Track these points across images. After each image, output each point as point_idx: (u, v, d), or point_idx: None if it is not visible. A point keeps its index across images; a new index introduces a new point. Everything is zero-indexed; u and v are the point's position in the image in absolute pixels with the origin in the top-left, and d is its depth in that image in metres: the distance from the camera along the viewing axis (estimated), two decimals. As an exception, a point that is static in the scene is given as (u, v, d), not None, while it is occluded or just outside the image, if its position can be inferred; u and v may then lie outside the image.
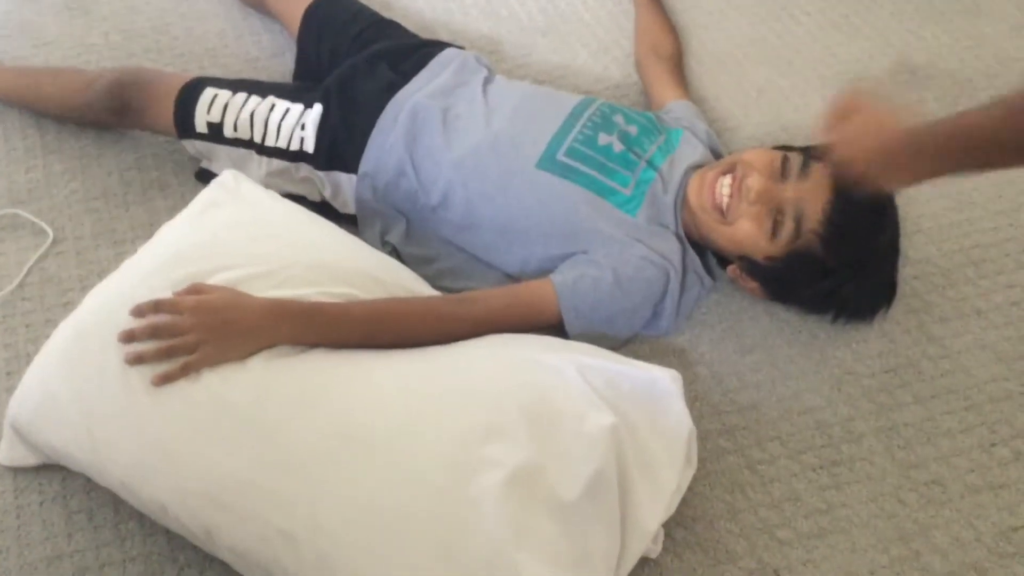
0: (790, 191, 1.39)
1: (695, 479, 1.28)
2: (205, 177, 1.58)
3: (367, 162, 1.51)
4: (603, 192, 1.44)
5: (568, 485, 1.11)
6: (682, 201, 1.48)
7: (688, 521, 1.27)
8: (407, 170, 1.49)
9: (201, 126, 1.55)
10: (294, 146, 1.53)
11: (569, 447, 1.14)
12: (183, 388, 1.14)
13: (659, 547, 1.23)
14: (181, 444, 1.12)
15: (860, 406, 1.41)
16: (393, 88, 1.55)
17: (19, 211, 1.58)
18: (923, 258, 1.62)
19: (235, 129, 1.54)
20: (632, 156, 1.48)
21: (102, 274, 1.36)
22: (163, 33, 1.94)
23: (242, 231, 1.34)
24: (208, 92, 1.56)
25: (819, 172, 1.39)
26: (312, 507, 1.08)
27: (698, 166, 1.52)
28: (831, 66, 1.97)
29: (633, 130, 1.51)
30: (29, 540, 1.21)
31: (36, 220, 1.57)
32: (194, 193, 1.48)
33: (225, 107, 1.54)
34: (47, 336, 1.39)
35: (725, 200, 1.42)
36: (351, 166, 1.52)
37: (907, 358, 1.47)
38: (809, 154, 1.43)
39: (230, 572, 1.16)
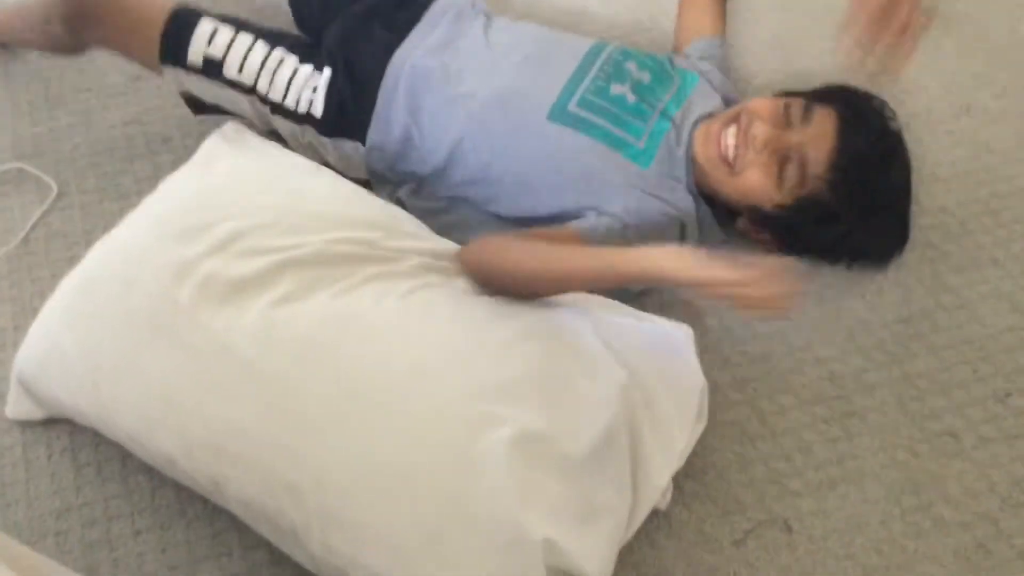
0: (795, 136, 1.37)
1: (705, 430, 1.27)
2: (195, 104, 1.53)
3: (375, 134, 1.47)
4: (616, 144, 1.41)
5: (577, 442, 1.11)
6: (688, 157, 1.45)
7: (698, 472, 1.26)
8: (412, 135, 1.46)
9: (195, 58, 1.47)
10: (302, 108, 1.48)
11: (579, 404, 1.14)
12: (187, 338, 1.13)
13: (668, 499, 1.22)
14: (187, 395, 1.12)
15: (873, 357, 1.39)
16: (390, 49, 1.49)
17: (24, 165, 1.57)
18: (939, 207, 1.59)
19: (239, 71, 1.47)
20: (645, 107, 1.44)
21: (107, 228, 1.35)
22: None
23: (245, 182, 1.33)
24: (207, 23, 1.47)
25: (823, 116, 1.37)
26: (317, 459, 1.08)
27: (709, 115, 1.48)
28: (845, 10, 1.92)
29: (646, 77, 1.48)
30: (38, 493, 1.21)
31: (41, 175, 1.56)
32: (197, 147, 1.47)
33: (230, 45, 1.47)
34: (53, 290, 1.39)
35: (731, 151, 1.39)
36: (358, 135, 1.49)
37: (922, 308, 1.45)
38: (813, 98, 1.40)
39: (238, 524, 1.17)
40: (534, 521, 1.05)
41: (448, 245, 1.36)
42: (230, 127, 1.39)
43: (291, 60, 1.49)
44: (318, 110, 1.48)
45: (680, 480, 1.24)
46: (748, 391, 1.35)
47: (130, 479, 1.22)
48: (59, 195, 1.54)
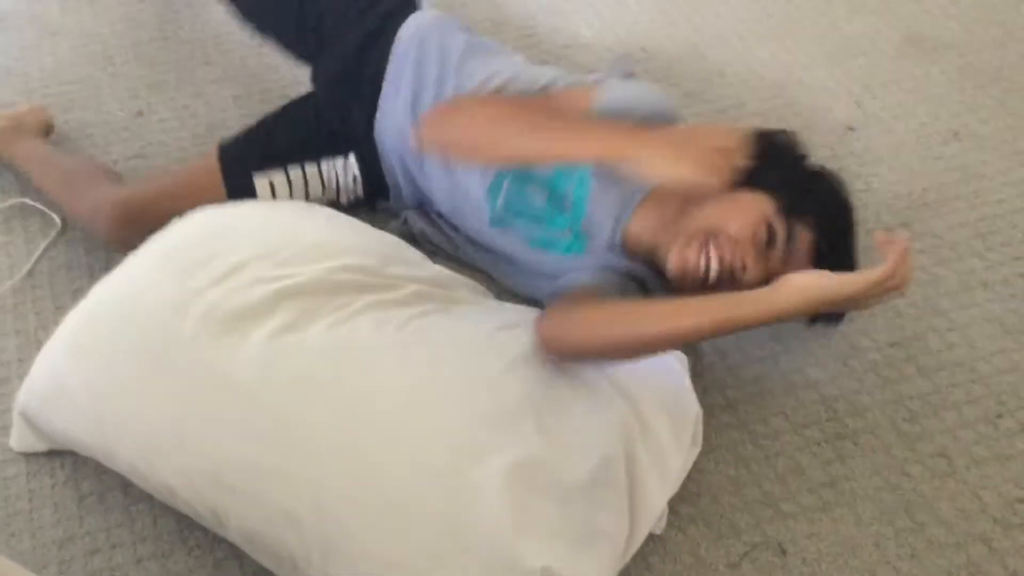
0: (778, 265, 1.26)
1: (699, 453, 1.28)
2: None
3: (395, 200, 1.57)
4: (547, 244, 1.42)
5: (574, 470, 1.12)
6: (621, 247, 1.39)
7: (692, 496, 1.27)
8: (421, 186, 1.52)
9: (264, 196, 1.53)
10: (350, 199, 1.57)
11: (576, 432, 1.15)
12: (188, 370, 1.15)
13: (663, 523, 1.23)
14: (187, 426, 1.14)
15: (865, 380, 1.41)
16: (371, 121, 1.51)
17: (28, 200, 1.60)
18: (930, 232, 1.61)
19: (307, 199, 1.54)
20: (559, 200, 1.40)
21: (110, 261, 1.38)
22: (169, 22, 1.95)
23: (246, 218, 1.36)
24: (260, 180, 1.50)
25: (804, 239, 1.27)
26: (317, 488, 1.09)
27: (623, 211, 1.38)
28: (836, 41, 1.96)
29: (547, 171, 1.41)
30: (41, 523, 1.23)
31: (45, 209, 1.59)
32: (199, 179, 1.50)
33: (290, 190, 1.52)
34: (57, 323, 1.41)
35: (714, 274, 1.26)
36: (387, 196, 1.58)
37: (913, 332, 1.47)
38: (794, 220, 1.27)
39: (239, 552, 1.18)
40: (532, 549, 1.06)
41: (444, 273, 1.38)
42: None
43: (327, 163, 1.54)
44: (361, 192, 1.57)
45: (675, 504, 1.25)
46: (741, 414, 1.37)
47: (132, 508, 1.23)
48: (63, 229, 1.57)
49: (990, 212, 1.64)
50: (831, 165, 1.69)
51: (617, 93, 1.36)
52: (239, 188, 1.48)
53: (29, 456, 1.28)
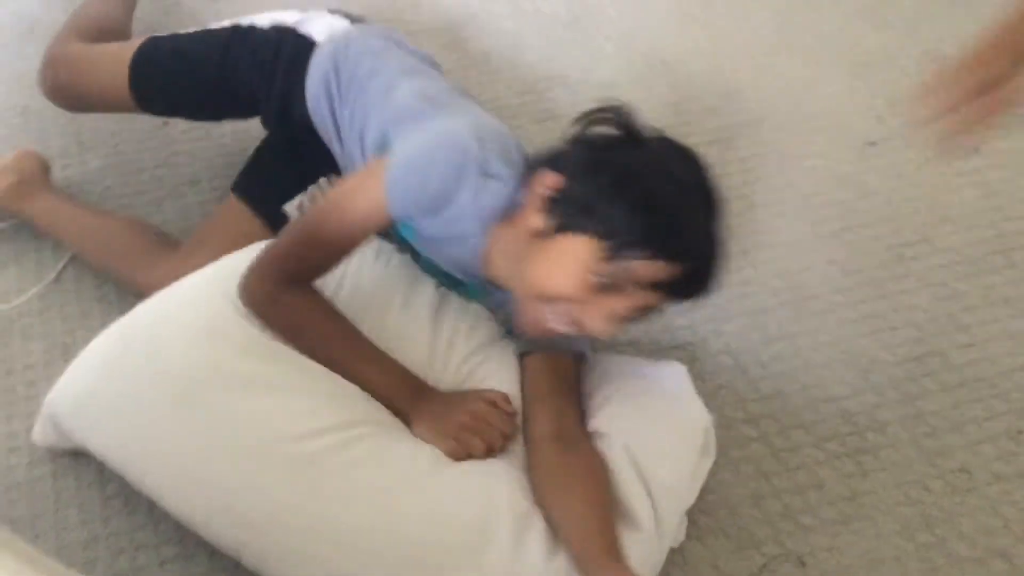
0: (635, 293, 1.10)
1: (719, 466, 1.29)
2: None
3: None
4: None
5: None
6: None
7: (711, 508, 1.27)
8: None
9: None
10: None
11: None
12: (219, 406, 1.16)
13: (683, 534, 1.24)
14: (212, 465, 1.13)
15: (886, 394, 1.41)
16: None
17: (56, 207, 1.61)
18: (950, 247, 1.61)
19: None
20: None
21: (136, 267, 1.40)
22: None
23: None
24: (290, 206, 1.46)
25: (644, 269, 1.09)
26: (339, 530, 1.09)
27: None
28: (857, 56, 1.97)
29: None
30: (66, 524, 1.24)
31: (72, 216, 1.60)
32: (224, 188, 1.51)
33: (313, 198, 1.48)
34: (83, 328, 1.43)
35: (564, 329, 1.15)
36: None
37: (934, 346, 1.47)
38: (622, 259, 1.08)
39: (260, 556, 1.19)
40: None
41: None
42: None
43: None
44: None
45: (694, 515, 1.25)
46: (762, 428, 1.37)
47: (156, 510, 1.24)
48: (90, 235, 1.58)
49: (1011, 228, 1.64)
50: (851, 180, 1.72)
51: (401, 192, 1.17)
52: (273, 218, 1.45)
53: (56, 457, 1.29)
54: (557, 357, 1.28)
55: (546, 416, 1.22)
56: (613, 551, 1.09)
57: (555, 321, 1.13)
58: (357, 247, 1.24)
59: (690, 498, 1.23)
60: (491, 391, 1.24)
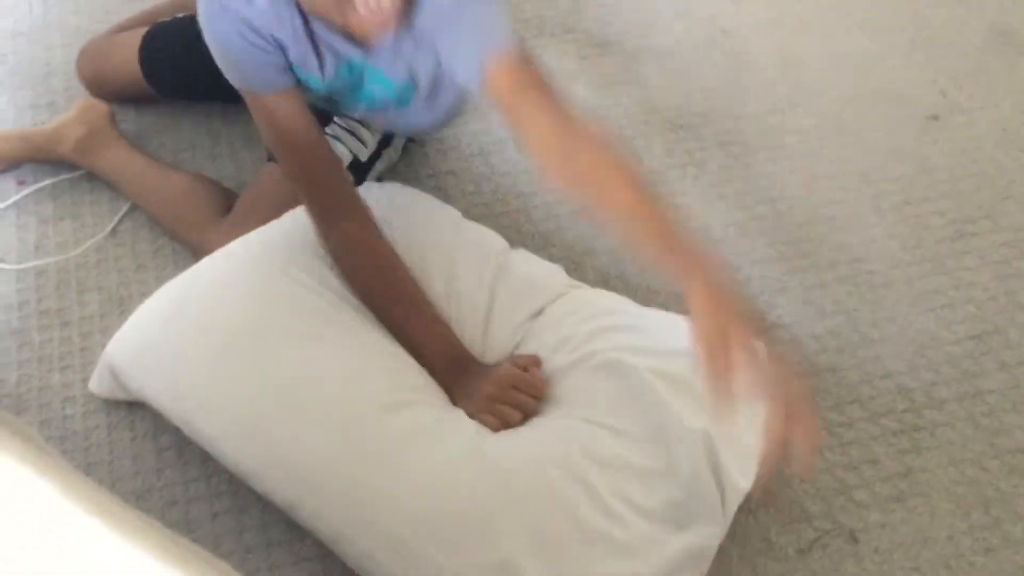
0: None
1: (772, 438, 1.27)
2: None
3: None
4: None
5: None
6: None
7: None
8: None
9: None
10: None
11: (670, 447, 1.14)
12: (274, 365, 1.17)
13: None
14: (267, 417, 1.14)
15: (943, 372, 1.39)
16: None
17: (112, 161, 1.62)
18: (1013, 225, 1.58)
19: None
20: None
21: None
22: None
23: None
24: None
25: None
26: (393, 493, 1.08)
27: None
28: (920, 29, 1.92)
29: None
30: (121, 474, 1.25)
31: (128, 170, 1.61)
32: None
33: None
34: (138, 281, 1.44)
35: None
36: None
37: (994, 325, 1.44)
38: None
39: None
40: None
41: None
42: (394, 187, 1.44)
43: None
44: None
45: (746, 487, 1.24)
46: (817, 401, 1.35)
47: (209, 463, 1.25)
48: (145, 190, 1.59)
49: (1077, 207, 1.60)
50: (912, 154, 1.69)
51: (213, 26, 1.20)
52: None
53: (110, 408, 1.31)
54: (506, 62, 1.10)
55: (538, 129, 1.08)
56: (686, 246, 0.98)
57: None
58: (311, 121, 1.26)
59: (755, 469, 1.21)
60: (522, 356, 1.25)
